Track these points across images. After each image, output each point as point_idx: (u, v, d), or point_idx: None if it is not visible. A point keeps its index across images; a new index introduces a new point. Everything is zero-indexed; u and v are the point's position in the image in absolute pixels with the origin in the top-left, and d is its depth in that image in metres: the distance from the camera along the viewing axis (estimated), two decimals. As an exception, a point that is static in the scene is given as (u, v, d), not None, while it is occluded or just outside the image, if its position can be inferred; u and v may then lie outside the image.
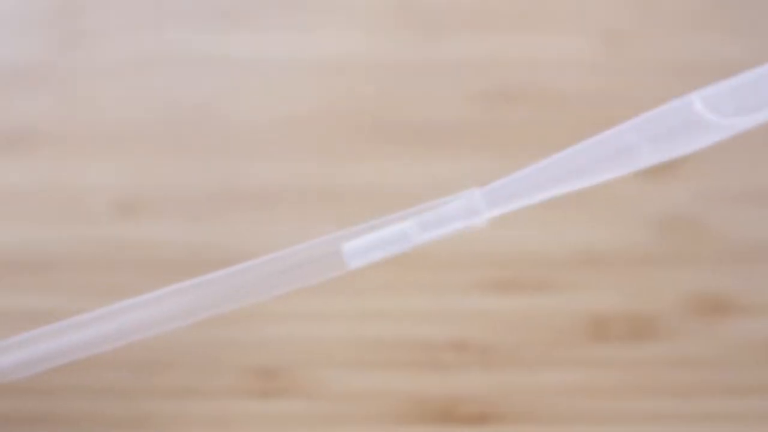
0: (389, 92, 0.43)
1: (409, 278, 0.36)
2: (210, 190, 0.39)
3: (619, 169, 0.26)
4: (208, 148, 0.41)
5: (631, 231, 0.38)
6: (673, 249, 0.37)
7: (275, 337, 0.34)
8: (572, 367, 0.33)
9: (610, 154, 0.26)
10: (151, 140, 0.42)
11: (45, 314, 0.35)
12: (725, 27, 0.46)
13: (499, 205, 0.26)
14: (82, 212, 0.39)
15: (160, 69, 0.45)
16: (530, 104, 0.42)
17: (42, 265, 0.37)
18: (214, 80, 0.44)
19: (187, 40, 0.46)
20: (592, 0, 0.47)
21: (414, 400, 0.33)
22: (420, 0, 0.48)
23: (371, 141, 0.41)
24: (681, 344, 0.34)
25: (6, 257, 0.38)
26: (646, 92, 0.42)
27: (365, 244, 0.26)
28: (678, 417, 0.33)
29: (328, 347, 0.34)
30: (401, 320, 0.35)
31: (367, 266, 0.35)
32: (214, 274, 0.26)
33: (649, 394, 0.33)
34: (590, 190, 0.37)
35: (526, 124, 0.40)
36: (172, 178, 0.40)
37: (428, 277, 0.36)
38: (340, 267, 0.26)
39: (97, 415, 0.31)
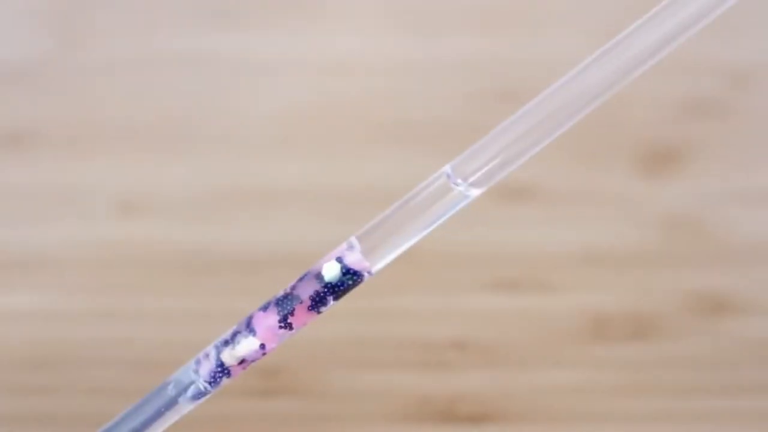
0: (388, 92, 0.44)
1: (410, 278, 0.36)
2: (212, 189, 0.40)
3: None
4: (210, 147, 0.42)
5: (632, 231, 0.38)
6: (674, 249, 0.38)
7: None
8: (573, 366, 0.34)
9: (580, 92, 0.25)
10: (152, 139, 0.42)
11: (45, 314, 0.36)
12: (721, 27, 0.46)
13: (476, 177, 0.25)
14: (82, 211, 0.39)
15: (160, 69, 0.45)
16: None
17: (42, 265, 0.37)
18: (214, 80, 0.44)
19: (187, 41, 0.46)
20: None
21: (415, 400, 0.33)
22: (418, 0, 0.48)
23: (372, 140, 0.41)
24: (682, 344, 0.34)
25: (5, 256, 0.38)
26: (647, 90, 0.43)
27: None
28: (678, 416, 0.33)
29: (330, 347, 0.34)
30: (403, 320, 0.35)
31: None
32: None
33: (649, 394, 0.33)
34: (591, 190, 0.40)
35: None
36: (173, 178, 0.40)
37: (430, 278, 0.36)
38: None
39: (97, 415, 0.30)
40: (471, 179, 0.25)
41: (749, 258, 0.37)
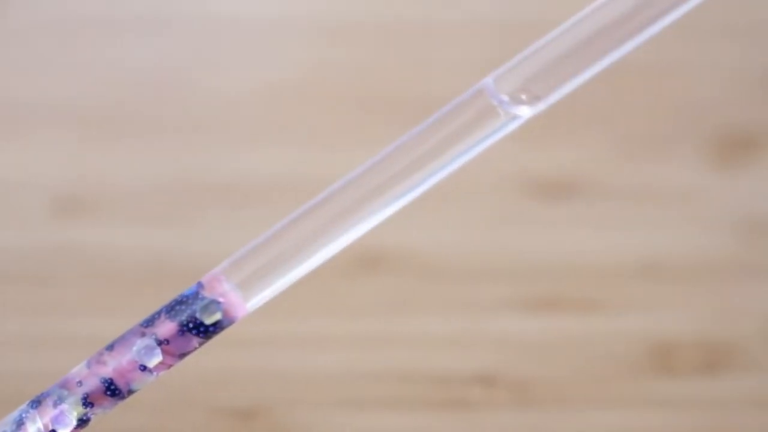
0: (394, 60, 0.41)
1: (422, 293, 0.35)
2: (173, 182, 0.38)
3: None
4: (171, 129, 0.39)
5: (702, 236, 0.36)
6: (755, 258, 0.35)
7: (252, 370, 0.33)
8: (630, 406, 0.32)
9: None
10: (99, 119, 0.40)
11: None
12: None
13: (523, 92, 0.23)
14: (12, 212, 0.37)
15: (112, 29, 0.42)
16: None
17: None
18: (178, 45, 0.42)
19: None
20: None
21: (428, 450, 0.31)
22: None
23: (373, 122, 0.39)
24: (764, 378, 0.32)
25: None
26: (720, 61, 0.40)
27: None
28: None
29: (318, 382, 0.33)
30: (411, 347, 0.33)
31: (368, 279, 0.35)
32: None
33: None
34: (650, 186, 0.39)
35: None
36: (124, 168, 0.38)
37: (447, 293, 0.35)
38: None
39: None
40: (522, 95, 0.22)
41: None
